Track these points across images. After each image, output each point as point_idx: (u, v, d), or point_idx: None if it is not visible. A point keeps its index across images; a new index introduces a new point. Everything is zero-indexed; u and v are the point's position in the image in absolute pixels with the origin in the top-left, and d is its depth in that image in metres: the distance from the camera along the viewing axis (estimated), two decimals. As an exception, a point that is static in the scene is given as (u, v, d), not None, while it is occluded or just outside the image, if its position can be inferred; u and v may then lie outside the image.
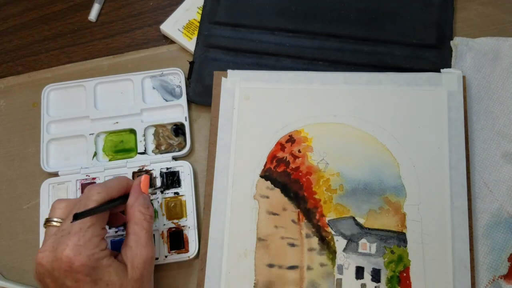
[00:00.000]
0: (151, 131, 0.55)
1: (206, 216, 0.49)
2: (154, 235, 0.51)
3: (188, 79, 0.56)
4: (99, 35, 0.61)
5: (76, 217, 0.37)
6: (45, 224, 0.42)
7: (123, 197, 0.43)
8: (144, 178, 0.44)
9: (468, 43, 0.55)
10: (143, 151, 0.54)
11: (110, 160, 0.54)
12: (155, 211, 0.52)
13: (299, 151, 0.51)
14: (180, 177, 0.53)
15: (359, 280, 0.47)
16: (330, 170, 0.50)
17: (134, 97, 0.56)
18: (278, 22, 0.57)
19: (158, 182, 0.52)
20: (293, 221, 0.49)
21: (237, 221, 0.49)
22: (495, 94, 0.53)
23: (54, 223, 0.41)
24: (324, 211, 0.49)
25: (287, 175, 0.50)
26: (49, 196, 0.52)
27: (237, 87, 0.53)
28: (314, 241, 0.48)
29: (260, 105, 0.52)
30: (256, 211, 0.49)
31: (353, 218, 0.49)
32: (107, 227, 0.42)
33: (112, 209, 0.42)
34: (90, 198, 0.40)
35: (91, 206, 0.40)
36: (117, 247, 0.51)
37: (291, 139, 0.51)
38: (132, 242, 0.40)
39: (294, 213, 0.49)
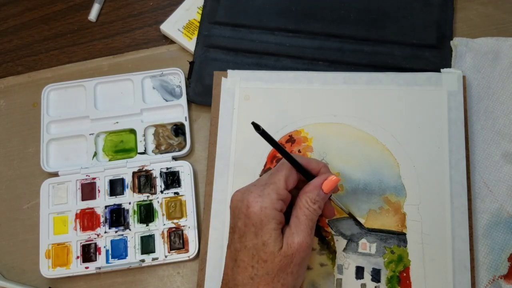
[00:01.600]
0: (151, 131, 0.55)
1: (206, 216, 0.49)
2: (154, 235, 0.51)
3: (188, 79, 0.56)
4: (99, 35, 0.61)
5: (257, 126, 0.40)
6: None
7: (309, 175, 0.43)
8: (333, 180, 0.42)
9: (468, 43, 0.55)
10: (143, 151, 0.54)
11: (110, 160, 0.54)
12: (155, 211, 0.52)
13: (299, 151, 0.51)
14: (180, 177, 0.53)
15: (359, 280, 0.47)
16: (330, 170, 0.50)
17: (134, 97, 0.56)
18: (278, 22, 0.57)
19: (158, 182, 0.52)
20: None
21: (237, 221, 0.49)
22: (495, 94, 0.53)
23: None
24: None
25: (287, 175, 0.50)
26: (49, 196, 0.53)
27: (237, 87, 0.53)
28: (314, 241, 0.48)
29: (260, 105, 0.52)
30: (256, 211, 0.49)
31: (353, 218, 0.49)
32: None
33: (293, 170, 0.43)
34: (283, 164, 0.42)
35: (285, 171, 0.42)
36: (116, 247, 0.51)
37: (291, 139, 0.51)
38: (292, 223, 0.41)
39: (294, 213, 0.49)
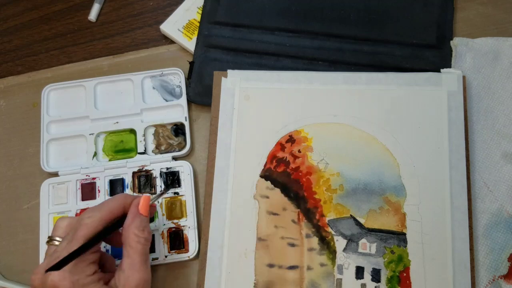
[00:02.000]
0: (151, 131, 0.55)
1: (206, 216, 0.49)
2: (154, 235, 0.51)
3: (188, 79, 0.56)
4: (99, 35, 0.61)
5: (49, 270, 0.37)
6: (47, 242, 0.41)
7: (118, 222, 0.41)
8: (143, 199, 0.41)
9: (468, 43, 0.55)
10: (143, 151, 0.54)
11: (110, 160, 0.54)
12: (155, 211, 0.52)
13: (299, 151, 0.51)
14: (180, 177, 0.53)
15: (359, 280, 0.47)
16: (330, 170, 0.50)
17: (134, 97, 0.56)
18: (278, 22, 0.57)
19: (158, 182, 0.52)
20: (293, 221, 0.49)
21: (237, 221, 0.49)
22: (495, 94, 0.53)
23: (55, 242, 0.41)
24: (324, 211, 0.49)
25: (287, 175, 0.50)
26: (49, 196, 0.52)
27: (237, 87, 0.53)
28: (314, 241, 0.48)
29: (260, 105, 0.52)
30: (256, 211, 0.49)
31: (353, 218, 0.49)
32: (105, 247, 0.42)
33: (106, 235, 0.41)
34: (81, 222, 0.40)
35: (81, 231, 0.39)
36: (115, 251, 0.51)
37: (291, 139, 0.51)
38: (125, 265, 0.39)
39: (294, 213, 0.49)
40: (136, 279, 0.39)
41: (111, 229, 0.41)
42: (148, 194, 0.42)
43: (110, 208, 0.41)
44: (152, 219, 0.51)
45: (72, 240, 0.39)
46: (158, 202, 0.52)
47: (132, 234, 0.40)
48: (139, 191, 0.52)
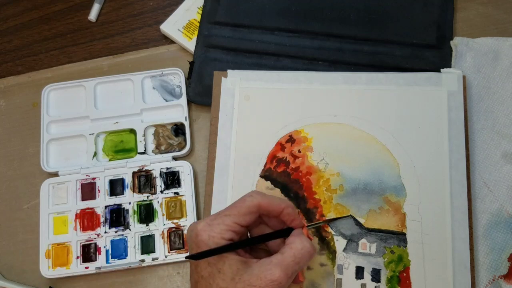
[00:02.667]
0: (151, 131, 0.55)
1: (206, 216, 0.49)
2: (154, 235, 0.51)
3: (188, 79, 0.56)
4: (99, 35, 0.61)
5: (194, 257, 0.38)
6: None
7: (281, 232, 0.41)
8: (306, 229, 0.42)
9: (468, 43, 0.55)
10: (143, 151, 0.54)
11: (110, 160, 0.54)
12: (155, 211, 0.52)
13: (299, 151, 0.51)
14: (180, 177, 0.53)
15: (359, 280, 0.47)
16: (330, 170, 0.50)
17: (134, 97, 0.56)
18: (278, 22, 0.57)
19: (158, 182, 0.52)
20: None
21: (237, 221, 0.49)
22: (495, 94, 0.53)
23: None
24: (324, 211, 0.49)
25: (287, 175, 0.50)
26: (49, 196, 0.52)
27: (237, 87, 0.53)
28: (314, 241, 0.48)
29: (260, 105, 0.52)
30: (256, 211, 0.49)
31: (353, 218, 0.49)
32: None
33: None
34: (244, 200, 0.41)
35: (243, 208, 0.40)
36: (116, 247, 0.51)
37: (291, 139, 0.51)
38: (275, 258, 0.39)
39: (294, 213, 0.49)
40: (277, 275, 0.37)
41: (271, 237, 0.41)
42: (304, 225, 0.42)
43: (269, 203, 0.41)
44: (152, 219, 0.51)
45: (235, 205, 0.40)
46: (158, 202, 0.52)
47: (301, 244, 0.40)
48: (139, 191, 0.52)
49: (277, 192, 0.50)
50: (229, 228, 0.39)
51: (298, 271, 0.40)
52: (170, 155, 0.54)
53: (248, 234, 0.43)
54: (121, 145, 0.55)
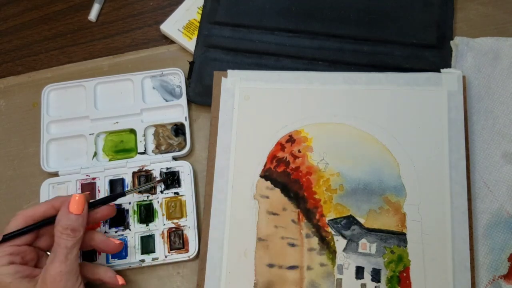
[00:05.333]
0: (151, 131, 0.55)
1: (206, 216, 0.49)
2: (154, 235, 0.51)
3: (188, 79, 0.56)
4: (99, 35, 0.61)
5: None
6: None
7: (48, 219, 0.44)
8: (73, 197, 0.43)
9: (468, 43, 0.55)
10: (143, 151, 0.54)
11: (110, 160, 0.54)
12: (155, 211, 0.52)
13: (299, 151, 0.51)
14: (180, 177, 0.53)
15: (359, 280, 0.47)
16: (330, 170, 0.50)
17: (134, 97, 0.56)
18: (278, 22, 0.57)
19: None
20: (293, 221, 0.49)
21: (237, 221, 0.49)
22: (495, 94, 0.53)
23: None
24: (324, 211, 0.49)
25: (287, 175, 0.50)
26: (49, 196, 0.52)
27: (237, 87, 0.53)
28: (314, 241, 0.48)
29: (260, 105, 0.52)
30: (256, 211, 0.49)
31: (353, 218, 0.49)
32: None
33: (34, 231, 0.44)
34: (8, 225, 0.43)
35: (5, 230, 0.43)
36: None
37: (291, 139, 0.51)
38: (48, 259, 0.42)
39: (294, 213, 0.49)
40: (53, 270, 0.41)
41: (38, 226, 0.44)
42: (81, 194, 0.43)
43: (36, 208, 0.44)
44: (152, 219, 0.51)
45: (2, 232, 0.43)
46: (158, 202, 0.52)
47: (57, 231, 0.42)
48: (139, 191, 0.52)
49: (277, 192, 0.50)
50: (1, 254, 0.42)
51: (73, 247, 0.42)
52: (170, 155, 0.54)
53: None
54: (121, 145, 0.55)
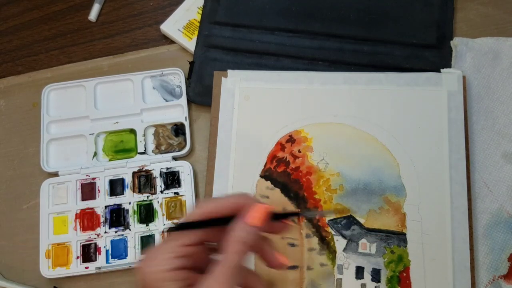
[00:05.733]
0: (151, 131, 0.55)
1: (206, 216, 0.49)
2: (153, 235, 0.51)
3: (188, 79, 0.56)
4: (99, 35, 0.61)
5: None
6: None
7: (225, 219, 0.36)
8: (257, 207, 0.36)
9: (468, 43, 0.55)
10: (143, 151, 0.54)
11: (110, 160, 0.54)
12: (155, 211, 0.52)
13: (299, 151, 0.51)
14: (180, 177, 0.53)
15: (359, 280, 0.47)
16: (330, 170, 0.50)
17: (134, 97, 0.56)
18: (278, 22, 0.57)
19: (158, 182, 0.52)
20: (293, 221, 0.49)
21: (237, 221, 0.49)
22: (495, 94, 0.53)
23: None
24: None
25: (287, 175, 0.50)
26: (49, 196, 0.52)
27: (237, 87, 0.53)
28: (314, 241, 0.48)
29: (260, 105, 0.52)
30: (256, 211, 0.49)
31: (353, 218, 0.49)
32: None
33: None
34: (193, 212, 0.37)
35: (189, 219, 0.36)
36: (116, 247, 0.51)
37: (291, 139, 0.51)
38: (211, 271, 0.34)
39: (294, 213, 0.49)
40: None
41: (211, 223, 0.36)
42: (267, 205, 0.36)
43: (220, 204, 0.37)
44: (152, 219, 0.51)
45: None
46: (158, 202, 0.52)
47: (228, 242, 0.35)
48: (139, 191, 0.52)
49: (277, 192, 0.50)
50: (173, 256, 0.34)
51: (240, 266, 0.35)
52: (170, 155, 0.54)
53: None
54: (121, 145, 0.55)
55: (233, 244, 0.35)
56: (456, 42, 0.55)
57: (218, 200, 0.37)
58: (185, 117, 0.55)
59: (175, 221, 0.35)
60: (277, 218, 0.38)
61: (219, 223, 0.36)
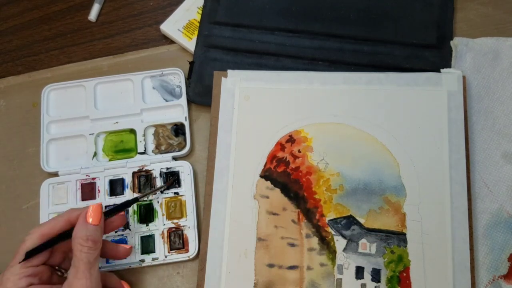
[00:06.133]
0: (151, 131, 0.55)
1: (206, 216, 0.49)
2: (154, 235, 0.51)
3: (188, 79, 0.56)
4: (99, 35, 0.61)
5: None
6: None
7: (65, 234, 0.43)
8: (92, 207, 0.42)
9: (468, 43, 0.55)
10: (143, 151, 0.54)
11: (110, 160, 0.54)
12: (155, 211, 0.52)
13: (299, 151, 0.51)
14: (180, 177, 0.53)
15: (359, 280, 0.47)
16: (330, 170, 0.50)
17: (134, 97, 0.56)
18: (278, 22, 0.57)
19: (158, 182, 0.52)
20: (293, 221, 0.49)
21: (237, 221, 0.49)
22: (495, 94, 0.53)
23: None
24: (324, 211, 0.49)
25: (287, 175, 0.50)
26: (49, 196, 0.52)
27: (237, 87, 0.53)
28: (314, 241, 0.48)
29: (260, 105, 0.52)
30: (256, 211, 0.49)
31: (353, 218, 0.49)
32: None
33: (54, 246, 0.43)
34: (23, 242, 0.42)
35: (21, 250, 0.42)
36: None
37: (291, 139, 0.51)
38: (70, 274, 0.41)
39: (294, 213, 0.49)
40: (77, 286, 0.40)
41: (55, 241, 0.42)
42: (99, 202, 0.43)
43: (52, 224, 0.43)
44: (152, 219, 0.51)
45: (15, 255, 0.42)
46: (158, 202, 0.52)
47: (76, 244, 0.41)
48: (139, 191, 0.52)
49: (277, 192, 0.50)
50: (20, 276, 0.41)
51: (95, 260, 0.41)
52: (170, 155, 0.54)
53: (57, 267, 0.45)
54: (121, 145, 0.55)
55: (79, 243, 0.40)
56: (456, 42, 0.55)
57: (50, 221, 0.43)
58: (185, 117, 0.55)
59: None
60: (109, 214, 0.45)
61: (61, 239, 0.42)
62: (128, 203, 0.48)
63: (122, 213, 0.47)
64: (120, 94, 0.56)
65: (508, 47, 0.54)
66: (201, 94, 0.55)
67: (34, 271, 0.42)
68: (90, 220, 0.42)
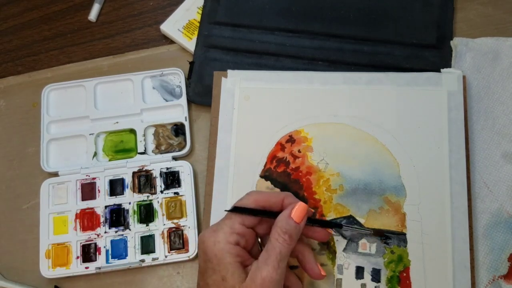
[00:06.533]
0: (151, 131, 0.55)
1: (206, 216, 0.49)
2: (154, 235, 0.51)
3: (188, 79, 0.56)
4: (99, 35, 0.61)
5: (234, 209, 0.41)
6: None
7: (273, 213, 0.42)
8: (299, 206, 0.42)
9: (468, 43, 0.55)
10: (143, 151, 0.54)
11: (110, 160, 0.54)
12: (155, 211, 0.52)
13: (299, 151, 0.51)
14: (180, 177, 0.53)
15: (359, 280, 0.47)
16: (330, 170, 0.50)
17: (134, 97, 0.56)
18: (278, 22, 0.57)
19: (158, 182, 0.52)
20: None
21: (237, 221, 0.49)
22: (495, 94, 0.53)
23: None
24: (324, 211, 0.49)
25: (287, 175, 0.50)
26: (49, 196, 0.52)
27: (237, 87, 0.53)
28: (314, 241, 0.48)
29: (260, 105, 0.52)
30: (256, 211, 0.49)
31: (353, 218, 0.49)
32: (240, 228, 0.42)
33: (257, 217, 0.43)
34: (240, 199, 0.43)
35: (236, 203, 0.42)
36: (116, 247, 0.51)
37: (291, 139, 0.51)
38: (260, 257, 0.40)
39: (294, 213, 0.49)
40: (264, 273, 0.39)
41: (264, 214, 0.42)
42: (304, 204, 0.42)
43: (268, 197, 0.43)
44: (152, 219, 0.51)
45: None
46: (158, 202, 0.52)
47: (275, 231, 0.40)
48: (139, 191, 0.52)
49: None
50: (232, 231, 0.40)
51: (286, 255, 0.40)
52: (170, 155, 0.54)
53: (259, 240, 0.44)
54: (121, 145, 0.55)
55: (278, 232, 0.40)
56: (456, 42, 0.55)
57: (268, 194, 0.43)
58: (185, 117, 0.55)
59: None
60: (315, 223, 0.44)
61: (268, 215, 0.42)
62: (332, 225, 0.47)
63: (330, 230, 0.47)
64: (120, 94, 0.56)
65: (508, 47, 0.54)
66: (201, 94, 0.55)
67: (244, 231, 0.41)
68: (293, 216, 0.41)
